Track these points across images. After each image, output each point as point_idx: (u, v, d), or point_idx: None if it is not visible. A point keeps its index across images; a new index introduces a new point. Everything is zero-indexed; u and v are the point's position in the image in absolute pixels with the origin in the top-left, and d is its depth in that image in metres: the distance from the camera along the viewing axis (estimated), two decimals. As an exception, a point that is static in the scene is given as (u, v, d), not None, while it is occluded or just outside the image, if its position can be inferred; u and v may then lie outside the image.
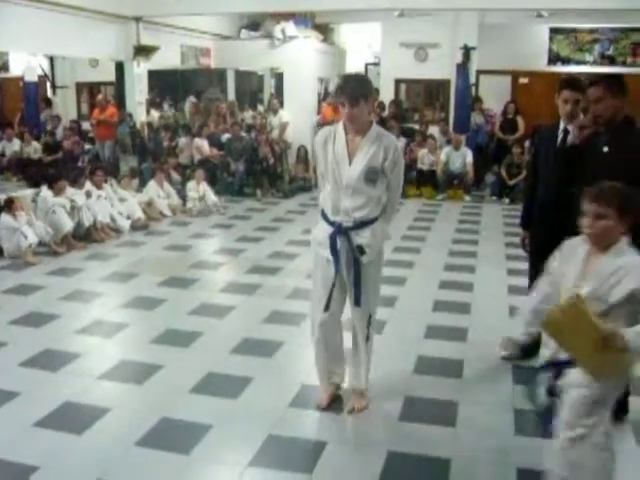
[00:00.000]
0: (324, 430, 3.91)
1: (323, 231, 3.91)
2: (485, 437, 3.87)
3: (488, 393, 4.39)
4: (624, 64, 13.92)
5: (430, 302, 6.16)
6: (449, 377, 4.62)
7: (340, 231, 3.83)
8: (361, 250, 3.83)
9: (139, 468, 3.52)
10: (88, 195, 8.59)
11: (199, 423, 3.93)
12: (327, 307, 3.94)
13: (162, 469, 3.51)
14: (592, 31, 14.15)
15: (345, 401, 4.18)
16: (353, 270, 3.86)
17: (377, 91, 14.24)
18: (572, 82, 4.50)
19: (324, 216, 3.93)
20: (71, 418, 4.01)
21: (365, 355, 4.08)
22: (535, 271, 4.69)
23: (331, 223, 3.87)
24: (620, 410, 3.92)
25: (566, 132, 4.45)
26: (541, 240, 4.61)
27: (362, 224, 3.83)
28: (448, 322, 5.66)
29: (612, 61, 14.07)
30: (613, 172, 3.69)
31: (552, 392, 4.23)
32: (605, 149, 3.85)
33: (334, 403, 4.16)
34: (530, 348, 4.81)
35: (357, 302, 3.92)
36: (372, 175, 3.77)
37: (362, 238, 3.83)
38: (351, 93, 3.71)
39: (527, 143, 12.24)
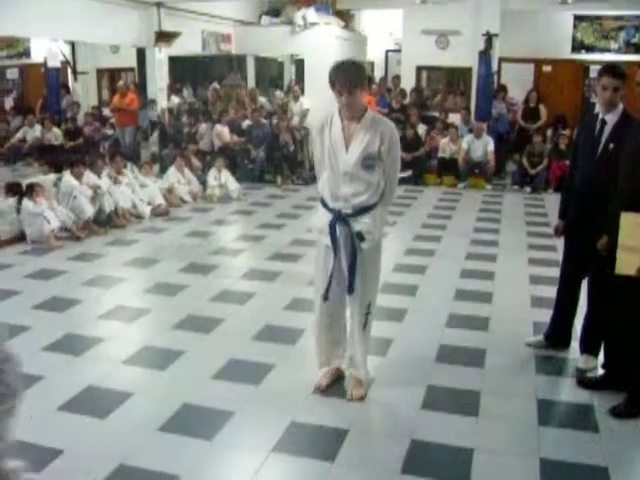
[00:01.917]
0: (346, 417, 3.89)
1: (323, 218, 3.91)
2: (508, 427, 3.84)
3: (511, 383, 4.36)
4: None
5: (452, 291, 6.12)
6: (471, 366, 4.58)
7: (339, 218, 3.83)
8: (360, 237, 3.82)
9: (161, 453, 3.53)
10: (116, 180, 8.63)
11: (221, 409, 3.94)
12: (326, 296, 3.96)
13: (184, 455, 3.52)
14: (617, 18, 13.95)
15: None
16: (350, 257, 3.85)
17: (398, 78, 14.20)
18: (612, 68, 4.36)
19: (323, 203, 3.93)
20: (94, 402, 4.03)
21: (361, 343, 4.07)
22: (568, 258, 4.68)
23: (330, 210, 3.86)
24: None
25: (603, 122, 4.34)
26: (574, 230, 4.57)
27: (361, 210, 3.82)
28: (470, 311, 5.62)
29: (638, 49, 13.87)
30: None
31: (583, 383, 4.25)
32: None
33: (339, 388, 4.16)
34: (555, 337, 4.79)
35: (351, 289, 3.91)
36: (369, 161, 3.76)
37: (361, 224, 3.82)
38: (346, 81, 3.70)
39: (549, 132, 12.17)
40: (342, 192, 3.82)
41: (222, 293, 6.03)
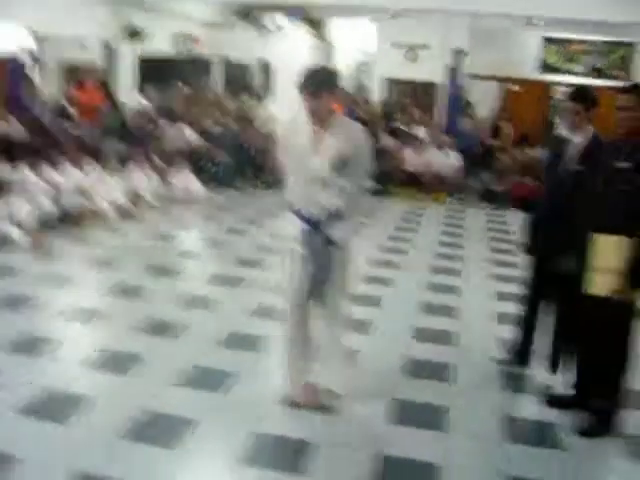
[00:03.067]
0: (311, 429, 3.83)
1: (295, 226, 3.84)
2: (475, 443, 3.83)
3: (478, 399, 4.35)
4: (613, 77, 14.00)
5: (417, 304, 6.11)
6: (438, 380, 4.57)
7: (312, 225, 3.77)
8: (332, 243, 3.78)
9: (122, 462, 3.42)
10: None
11: (184, 417, 3.84)
12: (301, 305, 3.89)
13: (145, 463, 3.41)
14: (584, 42, 14.21)
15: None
16: (322, 264, 3.80)
17: (366, 89, 14.22)
18: (573, 93, 4.44)
19: (294, 210, 3.86)
20: (51, 407, 3.89)
21: (338, 354, 4.03)
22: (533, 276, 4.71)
23: (301, 217, 3.80)
24: (608, 422, 3.92)
25: (568, 143, 4.38)
26: (540, 249, 4.60)
27: (333, 217, 3.77)
28: (436, 325, 5.61)
29: (601, 74, 14.14)
30: (629, 190, 3.66)
31: (550, 401, 4.26)
32: (624, 164, 3.75)
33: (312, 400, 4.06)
34: (520, 354, 4.80)
35: (321, 297, 3.87)
36: (340, 165, 3.72)
37: (334, 230, 3.77)
38: (314, 85, 3.68)
39: (514, 149, 12.29)
40: (313, 198, 3.76)
41: (185, 298, 5.91)
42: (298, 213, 3.84)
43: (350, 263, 3.98)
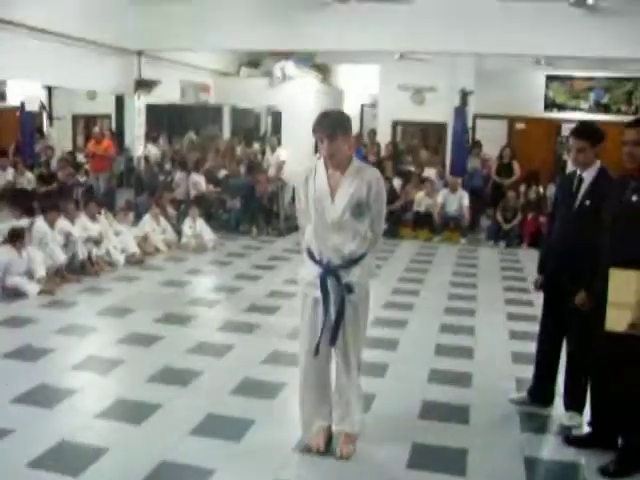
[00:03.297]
0: (330, 476, 3.77)
1: (311, 271, 3.83)
2: (497, 487, 3.75)
3: (497, 440, 4.27)
4: (619, 112, 14.09)
5: (432, 345, 6.06)
6: (456, 423, 4.50)
7: (329, 270, 3.75)
8: (349, 288, 3.75)
9: (139, 513, 3.37)
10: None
11: (201, 467, 3.79)
12: (317, 350, 3.85)
13: (163, 515, 3.36)
14: (587, 79, 14.35)
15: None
16: (337, 309, 3.77)
17: (374, 132, 14.34)
18: (577, 130, 4.46)
19: (311, 256, 3.85)
20: (67, 459, 3.86)
21: (357, 396, 3.96)
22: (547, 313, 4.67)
23: (319, 262, 3.79)
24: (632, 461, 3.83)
25: (580, 179, 4.39)
26: (553, 285, 4.58)
27: (351, 261, 3.76)
28: (451, 366, 5.55)
29: (607, 109, 14.25)
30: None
31: (570, 441, 4.19)
32: (634, 198, 3.77)
33: (327, 447, 3.99)
34: (538, 394, 4.74)
35: (333, 341, 3.81)
36: (357, 209, 3.73)
37: (351, 276, 3.76)
38: (329, 128, 3.70)
39: (522, 187, 12.33)
40: (330, 242, 3.76)
41: (199, 345, 5.89)
42: (314, 258, 3.83)
43: (367, 308, 3.96)
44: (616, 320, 3.68)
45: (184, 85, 13.12)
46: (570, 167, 4.67)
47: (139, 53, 11.21)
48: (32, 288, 7.17)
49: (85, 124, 14.51)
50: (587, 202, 4.32)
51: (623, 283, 3.67)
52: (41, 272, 7.33)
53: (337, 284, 3.75)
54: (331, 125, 3.72)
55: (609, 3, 9.34)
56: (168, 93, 12.57)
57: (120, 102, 12.10)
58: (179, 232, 10.25)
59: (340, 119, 3.82)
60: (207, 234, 10.26)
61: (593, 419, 4.18)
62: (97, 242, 8.52)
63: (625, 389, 3.83)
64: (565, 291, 4.35)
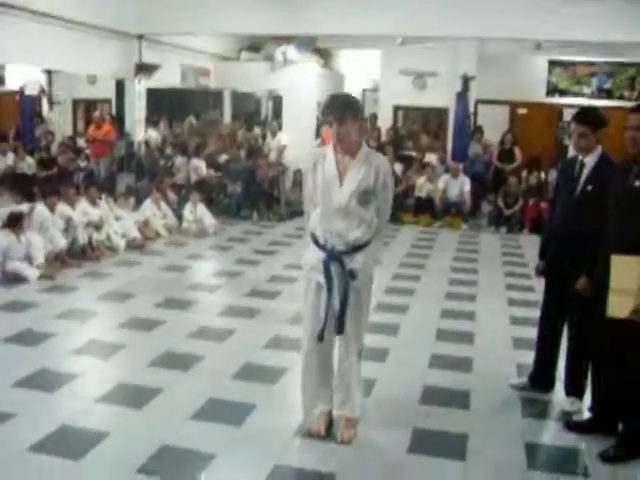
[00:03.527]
0: (332, 461, 3.77)
1: (315, 256, 3.82)
2: (497, 472, 3.76)
3: (498, 425, 4.28)
4: (621, 97, 14.03)
5: (433, 331, 6.06)
6: (456, 408, 4.51)
7: (333, 255, 3.74)
8: (353, 275, 3.74)
9: (140, 497, 3.38)
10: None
11: (201, 451, 3.80)
12: (321, 337, 3.83)
13: (164, 499, 3.37)
14: (590, 64, 14.28)
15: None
16: (342, 295, 3.75)
17: (375, 117, 14.29)
18: (579, 115, 4.43)
19: (315, 241, 3.83)
20: (68, 443, 3.86)
21: (357, 381, 3.96)
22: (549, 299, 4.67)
23: (323, 247, 3.77)
24: (633, 446, 3.84)
25: (582, 164, 4.37)
26: (554, 271, 4.57)
27: (355, 248, 3.74)
28: (452, 351, 5.56)
29: (610, 94, 14.18)
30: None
31: (570, 426, 4.19)
32: (637, 183, 3.74)
33: (328, 431, 4.00)
34: (539, 379, 4.74)
35: (341, 329, 3.80)
36: (364, 196, 3.71)
37: (355, 262, 3.74)
38: (338, 111, 3.67)
39: (524, 173, 12.29)
40: (335, 228, 3.74)
41: (200, 329, 5.89)
42: (318, 243, 3.82)
43: (369, 294, 3.95)
44: (618, 306, 3.67)
45: (185, 69, 13.07)
46: (571, 152, 4.65)
47: (139, 37, 11.15)
48: (32, 273, 7.16)
49: (85, 108, 14.44)
50: (589, 187, 4.30)
51: (625, 269, 3.66)
52: (40, 258, 7.31)
53: (341, 270, 3.74)
54: (340, 109, 3.69)
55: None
56: (169, 77, 12.52)
57: (120, 86, 12.05)
58: (180, 217, 10.24)
59: (350, 103, 3.79)
60: (208, 219, 10.24)
61: (594, 404, 4.19)
62: (97, 227, 8.51)
63: (626, 374, 3.83)
64: (566, 277, 4.34)
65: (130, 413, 4.27)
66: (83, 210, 8.57)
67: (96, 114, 12.39)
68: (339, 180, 3.74)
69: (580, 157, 4.40)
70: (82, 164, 12.19)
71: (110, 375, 4.88)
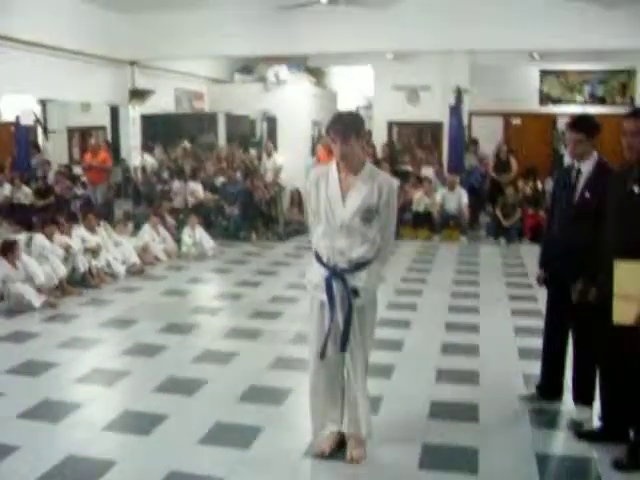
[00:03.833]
0: (340, 479, 3.74)
1: (318, 274, 3.79)
2: (509, 485, 3.72)
3: (508, 438, 4.24)
4: (614, 104, 14.10)
5: (438, 345, 6.03)
6: (466, 421, 4.47)
7: (336, 273, 3.72)
8: (355, 293, 3.71)
9: (150, 526, 3.34)
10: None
11: (211, 476, 3.76)
12: (323, 354, 3.80)
13: (174, 526, 3.33)
14: (582, 72, 14.37)
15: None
16: (346, 314, 3.72)
17: (369, 133, 14.32)
18: (573, 123, 4.44)
19: (318, 258, 3.81)
20: (75, 473, 3.82)
21: (364, 399, 3.91)
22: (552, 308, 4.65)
23: (325, 265, 3.75)
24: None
25: (579, 172, 4.38)
26: (556, 280, 4.56)
27: (358, 266, 3.72)
28: (458, 365, 5.53)
29: (602, 101, 14.26)
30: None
31: (580, 435, 4.16)
32: (636, 189, 3.74)
33: (339, 451, 3.95)
34: (547, 389, 4.71)
35: (343, 347, 3.76)
36: (367, 214, 3.69)
37: (357, 280, 3.72)
38: (343, 129, 3.66)
39: (521, 183, 12.30)
40: (338, 246, 3.71)
41: (203, 353, 5.86)
42: (321, 260, 3.80)
43: (374, 313, 3.92)
44: (623, 313, 3.64)
45: (178, 94, 13.12)
46: (567, 160, 4.67)
47: (132, 63, 11.20)
48: (36, 299, 7.13)
49: (80, 136, 14.48)
50: (587, 194, 4.30)
51: (629, 275, 3.64)
52: (40, 277, 7.29)
53: (343, 288, 3.71)
54: (345, 127, 3.68)
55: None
56: (162, 102, 12.57)
57: (115, 113, 12.08)
58: (179, 241, 10.23)
59: (354, 121, 3.78)
60: (207, 242, 10.24)
61: (603, 413, 4.15)
62: (95, 252, 8.48)
63: (634, 382, 3.80)
64: (569, 285, 4.32)
65: (136, 440, 4.23)
66: (81, 237, 8.56)
67: (92, 141, 12.42)
68: (342, 198, 3.72)
69: (576, 164, 4.41)
70: (79, 192, 12.20)
71: (115, 403, 4.84)
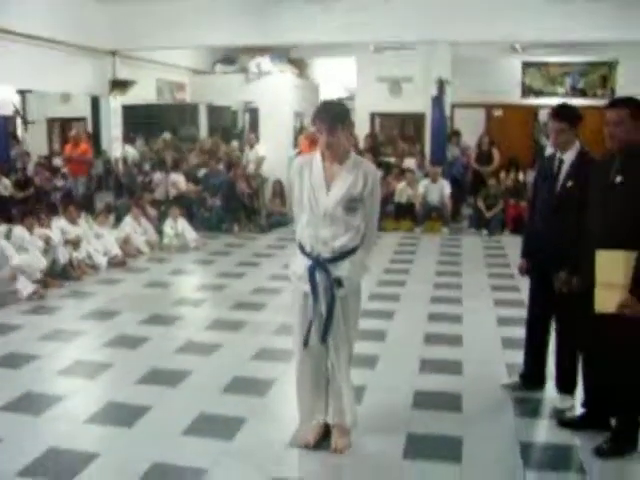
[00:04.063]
0: (326, 471, 3.74)
1: (301, 264, 3.78)
2: (493, 473, 3.74)
3: (491, 427, 4.26)
4: (595, 96, 14.19)
5: (421, 335, 6.04)
6: (449, 411, 4.48)
7: (319, 263, 3.70)
8: (339, 283, 3.70)
9: (134, 517, 3.32)
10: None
11: (194, 467, 3.74)
12: (306, 343, 3.79)
13: (158, 518, 3.31)
14: (563, 64, 14.44)
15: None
16: (328, 303, 3.71)
17: (353, 124, 14.30)
18: (556, 112, 4.46)
19: (301, 248, 3.79)
20: (57, 466, 3.79)
21: (349, 389, 3.90)
22: (535, 298, 4.67)
23: (309, 255, 3.74)
24: (627, 441, 3.84)
25: (561, 161, 4.39)
26: (538, 269, 4.58)
27: (341, 255, 3.70)
28: (441, 355, 5.54)
29: (583, 93, 14.35)
30: (627, 205, 3.64)
31: (563, 423, 4.19)
32: (618, 179, 3.76)
33: (324, 441, 3.95)
34: (530, 378, 4.74)
35: (323, 338, 3.75)
36: (351, 203, 3.68)
37: (341, 270, 3.70)
38: (329, 119, 3.65)
39: (503, 174, 12.34)
40: (321, 235, 3.70)
41: (186, 344, 5.83)
42: (305, 250, 3.78)
43: (358, 303, 3.92)
44: (605, 301, 3.67)
45: (160, 84, 13.03)
46: (549, 151, 4.71)
47: (113, 53, 11.10)
48: (23, 288, 7.08)
49: (60, 128, 14.34)
50: (569, 183, 4.31)
51: (611, 264, 3.67)
52: (15, 258, 7.23)
53: (326, 278, 3.70)
54: (331, 117, 3.65)
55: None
56: (144, 93, 12.47)
57: (95, 104, 11.97)
58: (160, 232, 10.17)
59: (340, 111, 3.76)
60: (189, 233, 10.19)
61: (586, 400, 4.18)
62: (75, 244, 8.41)
63: (616, 370, 3.83)
64: (551, 274, 4.34)
65: (119, 432, 4.20)
66: (61, 229, 8.48)
67: (73, 132, 12.29)
68: (326, 187, 3.71)
69: (558, 154, 4.42)
70: (59, 183, 12.08)
71: (97, 395, 4.81)
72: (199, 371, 5.20)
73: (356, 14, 10.56)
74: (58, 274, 8.01)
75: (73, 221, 8.73)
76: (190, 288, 8.20)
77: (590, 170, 4.09)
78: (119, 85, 11.24)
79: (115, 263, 8.82)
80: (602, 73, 14.36)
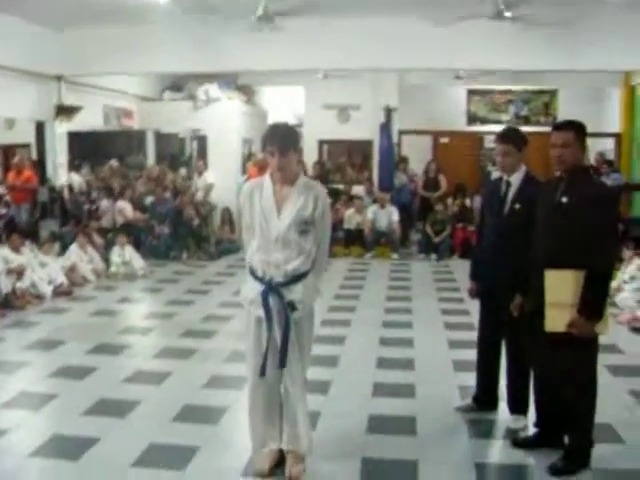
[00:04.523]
0: (281, 499, 3.67)
1: (253, 289, 3.73)
2: (449, 497, 3.72)
3: (446, 449, 4.26)
4: (538, 123, 14.57)
5: (373, 360, 6.02)
6: (404, 435, 4.47)
7: (271, 287, 3.67)
8: (292, 306, 3.67)
9: None
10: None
11: (145, 499, 3.63)
12: (263, 372, 3.73)
13: None
14: (507, 92, 14.82)
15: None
16: (283, 328, 3.67)
17: (301, 149, 14.37)
18: (501, 135, 4.55)
19: (253, 273, 3.75)
20: (0, 502, 3.64)
21: (304, 415, 3.85)
22: (485, 320, 4.71)
23: (261, 280, 3.70)
24: (579, 458, 3.88)
25: (508, 184, 4.47)
26: (488, 292, 4.63)
27: (294, 279, 3.68)
28: (394, 379, 5.53)
29: (527, 120, 14.73)
30: (572, 225, 3.71)
31: (517, 443, 4.21)
32: (564, 199, 3.82)
33: (278, 469, 3.87)
34: (483, 399, 4.76)
35: (282, 363, 3.70)
36: (303, 226, 3.66)
37: (294, 294, 3.67)
38: (281, 141, 3.64)
39: (450, 200, 12.52)
40: (273, 259, 3.66)
41: (135, 374, 5.69)
42: (256, 275, 3.73)
43: (312, 326, 3.88)
44: (555, 320, 3.72)
45: (107, 110, 12.87)
46: (495, 175, 4.80)
47: (59, 78, 10.93)
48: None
49: (3, 154, 14.02)
50: (517, 206, 4.38)
51: (559, 283, 3.72)
52: None
53: (280, 302, 3.66)
54: (283, 139, 3.65)
55: (527, 13, 9.56)
56: (91, 119, 12.30)
57: (40, 130, 11.74)
58: (107, 261, 9.98)
59: (291, 134, 3.76)
60: (137, 261, 10.03)
61: (538, 420, 4.21)
62: (19, 273, 8.19)
63: (564, 391, 3.87)
64: (501, 296, 4.39)
65: (66, 466, 4.05)
66: (4, 257, 8.25)
67: (16, 159, 12.00)
68: (277, 210, 3.68)
69: (505, 177, 4.49)
70: (2, 211, 11.77)
71: (43, 427, 4.64)
72: (148, 400, 5.08)
73: (303, 41, 10.63)
74: (0, 304, 7.76)
75: (16, 249, 8.51)
76: (138, 316, 8.04)
77: (536, 192, 4.16)
78: (65, 111, 11.06)
79: (60, 292, 8.60)
80: (544, 100, 14.79)
